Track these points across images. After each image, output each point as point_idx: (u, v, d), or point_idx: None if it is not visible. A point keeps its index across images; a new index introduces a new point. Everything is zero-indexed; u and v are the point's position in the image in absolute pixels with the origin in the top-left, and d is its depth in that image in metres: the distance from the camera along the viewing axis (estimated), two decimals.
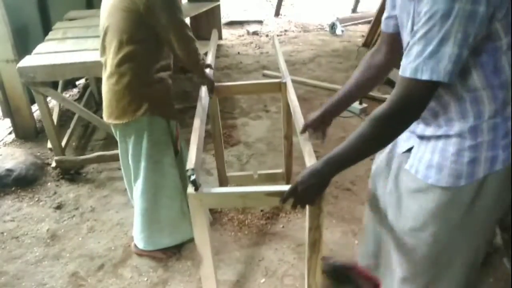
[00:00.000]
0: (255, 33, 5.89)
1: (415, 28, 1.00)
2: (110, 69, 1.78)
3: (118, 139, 1.97)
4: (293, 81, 2.22)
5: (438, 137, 1.17)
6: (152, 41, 1.75)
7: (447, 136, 1.15)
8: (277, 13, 6.82)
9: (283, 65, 2.30)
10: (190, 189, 1.34)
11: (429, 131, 1.20)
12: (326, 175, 1.19)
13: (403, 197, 1.30)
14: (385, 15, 1.30)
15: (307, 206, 1.34)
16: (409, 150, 1.28)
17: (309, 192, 1.23)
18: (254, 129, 3.36)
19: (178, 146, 2.04)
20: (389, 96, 1.07)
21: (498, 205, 1.20)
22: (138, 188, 1.97)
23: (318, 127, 1.59)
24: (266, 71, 4.42)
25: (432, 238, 1.24)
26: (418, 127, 1.24)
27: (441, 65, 0.96)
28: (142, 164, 1.91)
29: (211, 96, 2.10)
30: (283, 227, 2.31)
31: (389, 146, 1.41)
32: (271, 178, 2.57)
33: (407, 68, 1.00)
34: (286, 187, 1.31)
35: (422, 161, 1.20)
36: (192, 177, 1.33)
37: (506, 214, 1.93)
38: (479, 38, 0.98)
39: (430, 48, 0.96)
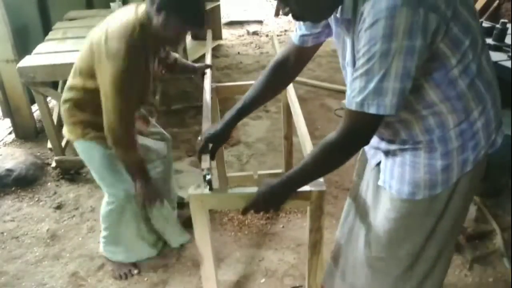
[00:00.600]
0: (255, 33, 5.88)
1: (356, 63, 1.01)
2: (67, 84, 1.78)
3: None
4: (293, 81, 2.22)
5: (404, 150, 1.18)
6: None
7: (414, 149, 1.15)
8: (277, 13, 6.82)
9: None
10: (193, 190, 1.34)
11: (394, 146, 1.21)
12: (283, 194, 1.25)
13: (379, 205, 1.28)
14: (302, 31, 1.32)
15: (308, 208, 1.36)
16: (379, 164, 1.29)
17: (268, 206, 1.28)
18: (254, 129, 3.36)
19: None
20: (339, 125, 1.10)
21: (467, 202, 1.25)
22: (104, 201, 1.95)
23: (217, 143, 1.54)
24: None
25: (410, 245, 1.24)
26: (381, 144, 1.25)
27: (386, 99, 0.97)
28: (100, 180, 1.89)
29: None
30: (283, 227, 2.31)
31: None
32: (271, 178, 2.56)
33: (352, 102, 1.02)
34: None
35: (393, 177, 1.20)
36: (208, 177, 1.34)
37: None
38: (424, 62, 0.99)
39: (372, 85, 0.97)
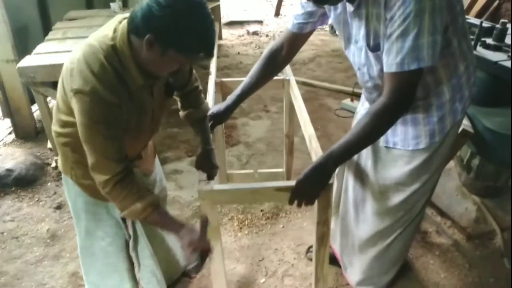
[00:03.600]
0: (255, 33, 5.89)
1: (389, 30, 1.14)
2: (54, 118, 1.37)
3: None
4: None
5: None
6: None
7: (414, 107, 1.34)
8: (277, 13, 6.82)
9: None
10: (203, 186, 1.34)
11: None
12: (330, 167, 1.28)
13: (378, 166, 1.52)
14: (299, 20, 1.50)
15: (316, 201, 1.36)
16: None
17: (313, 188, 1.30)
18: (254, 129, 3.36)
19: (127, 226, 1.51)
20: (384, 92, 1.20)
21: (452, 150, 1.53)
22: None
23: (218, 121, 1.72)
24: None
25: (413, 191, 1.48)
26: None
27: (424, 53, 1.11)
28: (78, 226, 1.52)
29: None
30: (283, 227, 2.31)
31: None
32: (271, 177, 2.57)
33: (392, 64, 1.15)
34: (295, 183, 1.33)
35: (397, 135, 1.43)
36: None
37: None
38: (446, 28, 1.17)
39: (408, 44, 1.11)
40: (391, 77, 1.17)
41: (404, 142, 1.41)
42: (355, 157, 1.62)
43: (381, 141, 1.45)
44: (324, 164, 1.27)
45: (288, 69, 2.23)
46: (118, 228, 1.49)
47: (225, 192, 1.38)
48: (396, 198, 1.51)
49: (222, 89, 2.18)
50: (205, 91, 2.10)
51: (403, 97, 1.19)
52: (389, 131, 1.34)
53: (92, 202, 1.44)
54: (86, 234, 1.51)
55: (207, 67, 3.33)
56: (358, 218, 1.67)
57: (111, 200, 1.24)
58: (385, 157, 1.48)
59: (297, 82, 3.97)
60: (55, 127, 1.36)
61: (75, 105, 1.16)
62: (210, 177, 1.44)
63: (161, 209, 1.29)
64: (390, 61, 1.15)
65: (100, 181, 1.21)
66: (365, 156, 1.57)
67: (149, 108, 1.32)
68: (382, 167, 1.51)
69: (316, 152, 1.50)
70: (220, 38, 5.41)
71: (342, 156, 1.28)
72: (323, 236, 1.43)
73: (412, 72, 1.13)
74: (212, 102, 1.87)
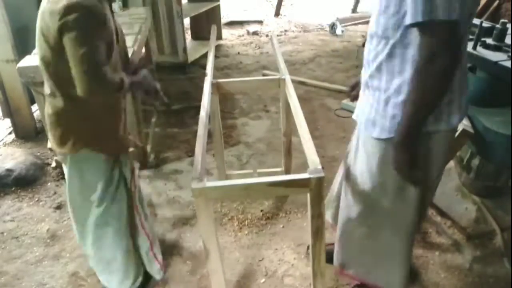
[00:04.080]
0: (255, 33, 5.89)
1: None
2: (46, 90, 1.54)
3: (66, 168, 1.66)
4: (293, 81, 2.23)
5: (377, 89, 1.36)
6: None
7: (382, 90, 1.33)
8: (277, 13, 6.82)
9: (281, 63, 2.31)
10: (196, 184, 1.35)
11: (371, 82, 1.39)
12: (406, 144, 1.26)
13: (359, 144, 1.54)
14: None
15: (308, 195, 1.38)
16: None
17: (406, 168, 1.30)
18: (254, 129, 3.36)
19: (134, 180, 1.73)
20: (418, 50, 1.17)
21: (444, 154, 1.47)
22: (88, 226, 1.70)
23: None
24: (265, 71, 4.42)
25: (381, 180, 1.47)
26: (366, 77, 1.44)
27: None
28: (88, 199, 1.64)
29: (158, 101, 1.77)
30: (283, 227, 2.31)
31: None
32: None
33: (418, 14, 1.09)
34: (288, 177, 1.35)
35: (364, 114, 1.45)
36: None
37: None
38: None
39: None
40: (420, 31, 1.14)
41: (366, 125, 1.43)
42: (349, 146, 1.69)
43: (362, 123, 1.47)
44: (400, 143, 1.27)
45: (284, 68, 2.23)
46: (126, 187, 1.69)
47: (218, 189, 1.38)
48: (366, 186, 1.51)
49: (219, 90, 2.18)
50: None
51: (441, 47, 1.11)
52: (360, 106, 1.43)
53: (109, 168, 1.60)
54: (100, 204, 1.64)
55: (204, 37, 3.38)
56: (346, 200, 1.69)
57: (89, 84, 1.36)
58: (364, 141, 1.50)
59: (297, 82, 4.00)
60: (56, 102, 1.49)
61: (65, 31, 1.32)
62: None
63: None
64: (415, 12, 1.09)
65: (91, 88, 1.36)
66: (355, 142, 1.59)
67: (114, 34, 1.49)
68: (362, 152, 1.52)
69: (310, 151, 1.49)
70: (220, 38, 5.41)
71: (413, 127, 1.24)
72: (318, 230, 1.44)
73: (442, 22, 1.08)
74: (207, 103, 1.87)
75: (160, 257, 1.93)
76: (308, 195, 1.38)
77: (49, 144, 2.63)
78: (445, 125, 1.32)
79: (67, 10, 1.31)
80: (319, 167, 1.38)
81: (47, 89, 1.54)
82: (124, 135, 1.67)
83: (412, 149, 1.28)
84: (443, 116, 1.31)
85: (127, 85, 1.50)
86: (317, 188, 1.36)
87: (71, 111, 1.50)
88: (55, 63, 1.45)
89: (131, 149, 1.74)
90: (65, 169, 1.67)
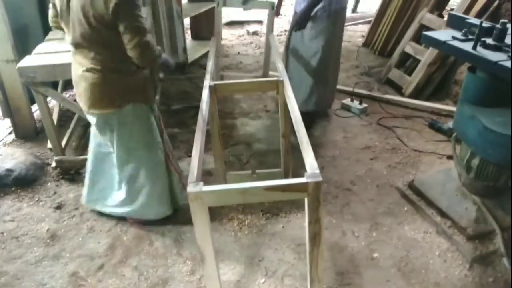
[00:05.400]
0: (255, 33, 5.89)
1: None
2: (87, 63, 1.90)
3: (97, 128, 2.08)
4: None
5: None
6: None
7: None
8: (277, 13, 6.82)
9: (280, 64, 2.31)
10: (191, 188, 1.34)
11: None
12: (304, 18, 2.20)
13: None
14: None
15: (305, 200, 1.37)
16: None
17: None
18: (254, 129, 3.36)
19: (161, 125, 2.23)
20: None
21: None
22: (129, 170, 2.17)
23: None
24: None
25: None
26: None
27: None
28: (134, 148, 2.09)
29: (169, 70, 2.27)
30: (283, 227, 2.31)
31: None
32: (270, 177, 2.54)
33: None
34: (285, 181, 1.33)
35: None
36: None
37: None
38: None
39: None
40: None
41: None
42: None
43: None
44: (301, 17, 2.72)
45: (282, 69, 2.23)
46: (158, 131, 2.17)
47: (214, 193, 1.36)
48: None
49: (217, 92, 2.19)
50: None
51: None
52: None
53: (144, 116, 2.06)
54: (137, 149, 2.11)
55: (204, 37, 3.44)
56: None
57: (148, 52, 1.85)
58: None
59: None
60: (95, 74, 1.89)
61: (119, 8, 1.72)
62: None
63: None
64: None
65: (145, 42, 1.82)
66: None
67: None
68: None
69: (308, 155, 1.48)
70: (220, 38, 5.40)
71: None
72: (315, 236, 1.42)
73: None
74: (206, 105, 1.89)
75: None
76: (306, 199, 1.36)
77: (49, 144, 2.72)
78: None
79: None
80: (317, 171, 1.36)
81: (87, 64, 1.90)
82: (155, 84, 2.14)
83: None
84: None
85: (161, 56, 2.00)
86: (315, 193, 1.34)
87: (113, 75, 1.90)
88: (105, 36, 1.82)
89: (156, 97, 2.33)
90: (93, 129, 2.17)
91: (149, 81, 2.05)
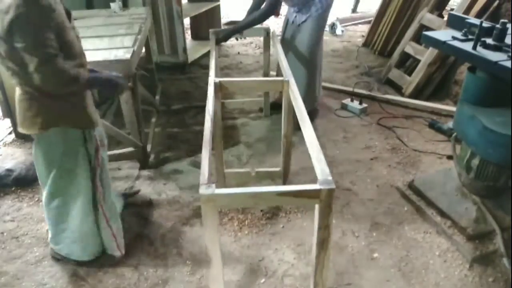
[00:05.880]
0: None
1: None
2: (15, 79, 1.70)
3: (33, 145, 1.87)
4: None
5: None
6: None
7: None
8: (277, 13, 6.81)
9: (285, 64, 2.30)
10: (204, 190, 1.33)
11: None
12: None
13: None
14: None
15: (316, 206, 1.36)
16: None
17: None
18: (254, 129, 3.36)
19: (97, 158, 1.88)
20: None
21: None
22: (46, 196, 1.93)
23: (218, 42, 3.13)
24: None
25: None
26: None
27: None
28: (53, 172, 1.84)
29: (121, 92, 1.96)
30: (283, 227, 2.31)
31: None
32: (268, 176, 2.57)
33: None
34: (297, 187, 1.32)
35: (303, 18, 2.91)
36: None
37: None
38: None
39: None
40: None
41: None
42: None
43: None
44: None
45: (287, 69, 2.23)
46: (88, 163, 1.86)
47: (227, 196, 1.35)
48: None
49: (222, 90, 2.18)
50: (205, 91, 2.10)
51: None
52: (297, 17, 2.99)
53: (72, 142, 1.78)
54: (61, 178, 1.84)
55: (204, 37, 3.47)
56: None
57: (52, 79, 1.55)
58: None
59: None
60: (20, 91, 1.71)
61: (13, 26, 1.44)
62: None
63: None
64: None
65: (44, 81, 1.54)
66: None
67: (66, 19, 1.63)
68: None
69: (316, 153, 1.49)
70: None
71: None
72: (323, 241, 1.41)
73: None
74: (212, 102, 1.87)
75: (119, 236, 2.08)
76: (317, 206, 1.35)
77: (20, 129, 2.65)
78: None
79: (8, 11, 1.44)
80: (330, 177, 1.34)
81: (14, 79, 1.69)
82: (90, 110, 1.81)
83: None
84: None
85: (86, 79, 1.69)
86: (327, 200, 1.32)
87: (38, 96, 1.67)
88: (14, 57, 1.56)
89: (97, 126, 1.86)
90: (33, 147, 1.87)
91: (82, 105, 1.78)
